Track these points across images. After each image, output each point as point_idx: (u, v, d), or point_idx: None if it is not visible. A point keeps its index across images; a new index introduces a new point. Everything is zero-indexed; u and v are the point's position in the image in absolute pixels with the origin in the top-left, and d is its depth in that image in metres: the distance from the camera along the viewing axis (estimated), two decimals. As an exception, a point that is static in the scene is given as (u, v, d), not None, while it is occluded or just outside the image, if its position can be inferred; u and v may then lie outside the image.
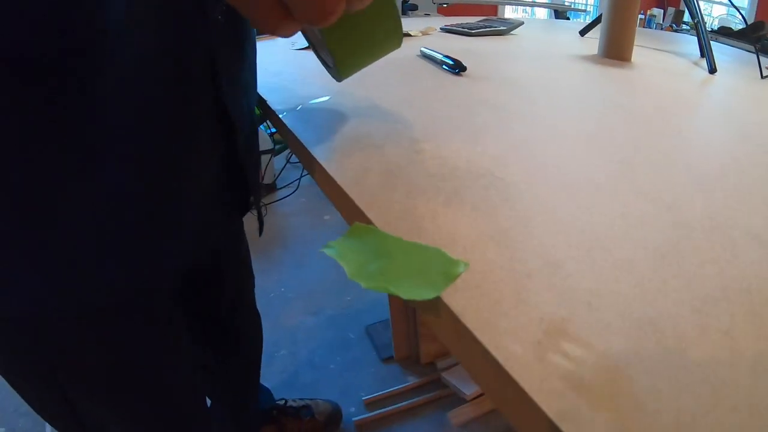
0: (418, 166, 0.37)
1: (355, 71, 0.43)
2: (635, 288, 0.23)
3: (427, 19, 1.63)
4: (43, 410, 0.52)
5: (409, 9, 2.54)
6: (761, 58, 0.85)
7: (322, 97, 0.57)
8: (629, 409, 0.17)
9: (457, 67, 0.66)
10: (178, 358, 0.58)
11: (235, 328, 0.87)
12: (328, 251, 0.25)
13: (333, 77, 0.47)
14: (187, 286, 0.71)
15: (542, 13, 4.32)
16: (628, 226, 0.29)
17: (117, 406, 0.52)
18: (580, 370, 0.18)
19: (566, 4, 4.18)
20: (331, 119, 0.49)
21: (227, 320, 0.84)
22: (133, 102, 0.38)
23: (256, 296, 0.95)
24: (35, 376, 0.47)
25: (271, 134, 2.27)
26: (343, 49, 0.37)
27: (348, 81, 0.63)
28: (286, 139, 0.50)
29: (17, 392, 0.51)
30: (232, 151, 0.53)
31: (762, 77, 0.77)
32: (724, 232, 0.28)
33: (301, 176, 2.36)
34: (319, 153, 0.40)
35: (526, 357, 0.19)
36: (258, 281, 0.94)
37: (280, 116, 0.51)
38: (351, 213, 0.32)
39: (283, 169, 2.40)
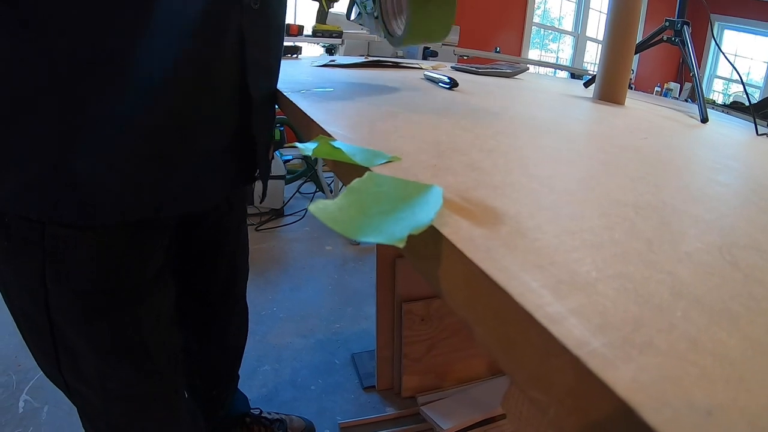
0: (387, 121, 0.43)
1: (417, 42, 0.58)
2: (544, 187, 0.28)
3: (442, 61, 1.74)
4: (25, 323, 0.55)
5: (430, 55, 2.70)
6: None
7: (326, 88, 0.63)
8: (509, 229, 0.21)
9: (451, 83, 0.73)
10: (158, 311, 0.60)
11: (225, 313, 0.90)
12: (300, 146, 0.30)
13: (391, 43, 0.61)
14: (185, 261, 0.75)
15: (562, 75, 4.48)
16: (553, 162, 0.33)
17: (91, 333, 0.54)
18: (475, 210, 0.23)
19: (587, 69, 4.32)
20: (327, 99, 0.55)
21: (218, 303, 0.87)
22: (169, 53, 0.46)
23: (249, 313, 0.99)
24: (25, 276, 0.50)
25: (285, 162, 2.37)
26: (422, 20, 0.53)
27: (348, 84, 0.70)
28: (286, 113, 0.56)
29: (5, 302, 0.54)
30: (246, 123, 0.58)
31: (758, 134, 0.77)
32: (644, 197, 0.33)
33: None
34: (311, 112, 0.46)
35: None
36: (251, 299, 0.98)
37: (285, 94, 0.57)
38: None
39: (292, 197, 2.48)
